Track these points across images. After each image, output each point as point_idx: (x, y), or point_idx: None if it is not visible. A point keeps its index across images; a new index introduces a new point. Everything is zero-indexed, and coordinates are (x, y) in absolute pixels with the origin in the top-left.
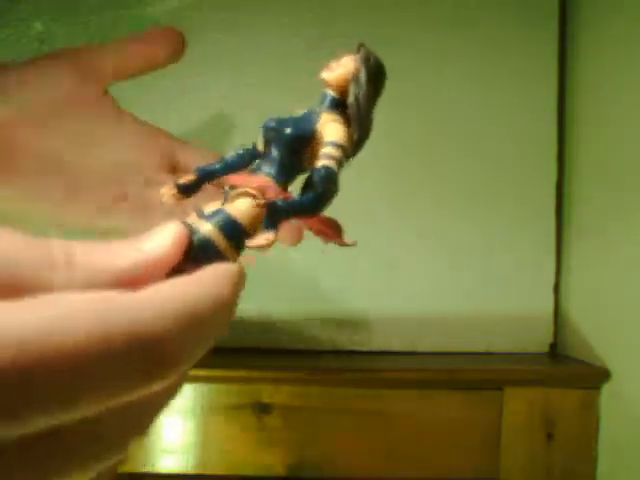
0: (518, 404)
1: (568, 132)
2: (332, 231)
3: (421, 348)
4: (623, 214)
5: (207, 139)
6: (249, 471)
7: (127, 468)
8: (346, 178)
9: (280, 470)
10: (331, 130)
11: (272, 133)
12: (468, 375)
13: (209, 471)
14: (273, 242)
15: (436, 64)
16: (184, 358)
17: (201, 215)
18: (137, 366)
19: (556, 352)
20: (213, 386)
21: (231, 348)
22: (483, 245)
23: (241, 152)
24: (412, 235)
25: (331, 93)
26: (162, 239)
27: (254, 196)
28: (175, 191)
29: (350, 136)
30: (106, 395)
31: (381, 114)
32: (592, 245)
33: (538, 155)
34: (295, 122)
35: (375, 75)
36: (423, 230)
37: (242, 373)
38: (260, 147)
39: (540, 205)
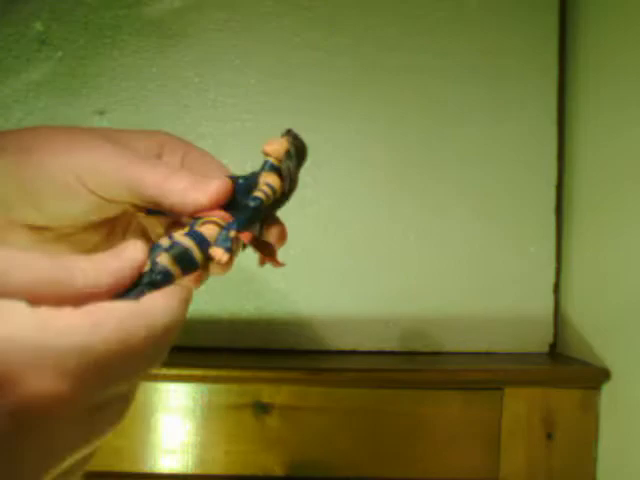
0: (518, 404)
1: (568, 132)
2: (267, 251)
3: (421, 348)
4: (623, 214)
5: (207, 138)
6: (249, 471)
7: (127, 468)
8: (347, 178)
9: (280, 470)
10: (269, 179)
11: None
12: (468, 375)
13: (209, 471)
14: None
15: (436, 65)
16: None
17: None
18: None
19: (556, 352)
20: (213, 386)
21: (231, 348)
22: (483, 245)
23: None
24: (412, 235)
25: (271, 160)
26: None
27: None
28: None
29: (282, 188)
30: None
31: (382, 114)
32: (592, 245)
33: (538, 155)
34: (245, 178)
35: (300, 151)
36: (423, 230)
37: (242, 373)
38: None
39: (540, 205)
